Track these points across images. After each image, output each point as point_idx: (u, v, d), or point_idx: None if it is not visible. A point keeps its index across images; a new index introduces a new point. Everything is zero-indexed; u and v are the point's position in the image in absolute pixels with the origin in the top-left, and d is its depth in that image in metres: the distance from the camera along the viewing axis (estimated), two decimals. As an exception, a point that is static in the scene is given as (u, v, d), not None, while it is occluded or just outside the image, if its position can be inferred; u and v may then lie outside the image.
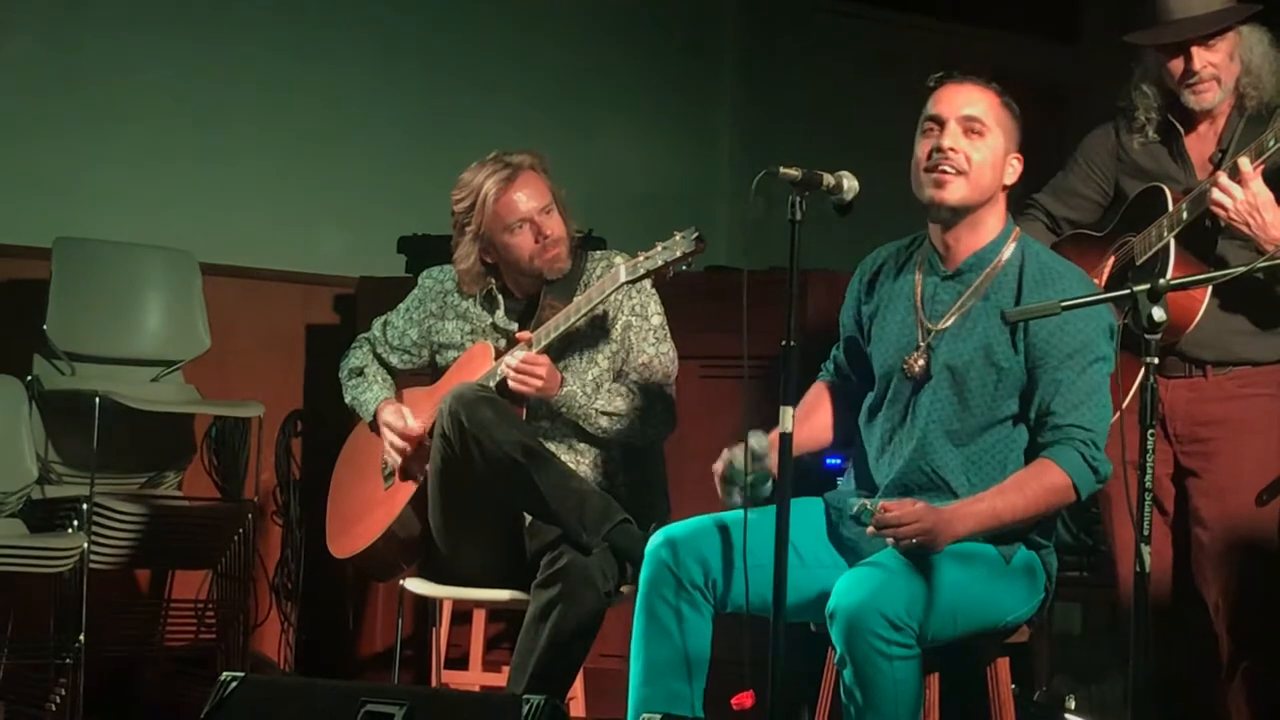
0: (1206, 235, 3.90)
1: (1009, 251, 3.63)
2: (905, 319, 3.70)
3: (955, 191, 3.58)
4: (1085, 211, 4.19)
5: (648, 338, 4.39)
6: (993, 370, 3.57)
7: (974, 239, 3.63)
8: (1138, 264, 3.96)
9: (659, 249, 4.18)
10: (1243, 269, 3.52)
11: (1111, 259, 4.06)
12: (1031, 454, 3.57)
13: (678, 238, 4.17)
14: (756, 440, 3.56)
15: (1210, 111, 3.99)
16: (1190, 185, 3.95)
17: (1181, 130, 4.04)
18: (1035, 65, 7.55)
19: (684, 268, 4.18)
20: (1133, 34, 4.00)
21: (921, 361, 3.63)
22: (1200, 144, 4.03)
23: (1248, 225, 3.79)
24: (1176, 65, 3.95)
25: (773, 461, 3.54)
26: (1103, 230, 4.12)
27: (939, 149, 3.57)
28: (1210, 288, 3.81)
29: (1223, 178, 3.78)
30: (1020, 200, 4.27)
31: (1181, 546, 4.06)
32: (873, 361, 3.76)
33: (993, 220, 3.64)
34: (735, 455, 3.59)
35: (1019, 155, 3.63)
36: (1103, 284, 4.02)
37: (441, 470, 4.21)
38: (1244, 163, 3.77)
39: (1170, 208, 3.91)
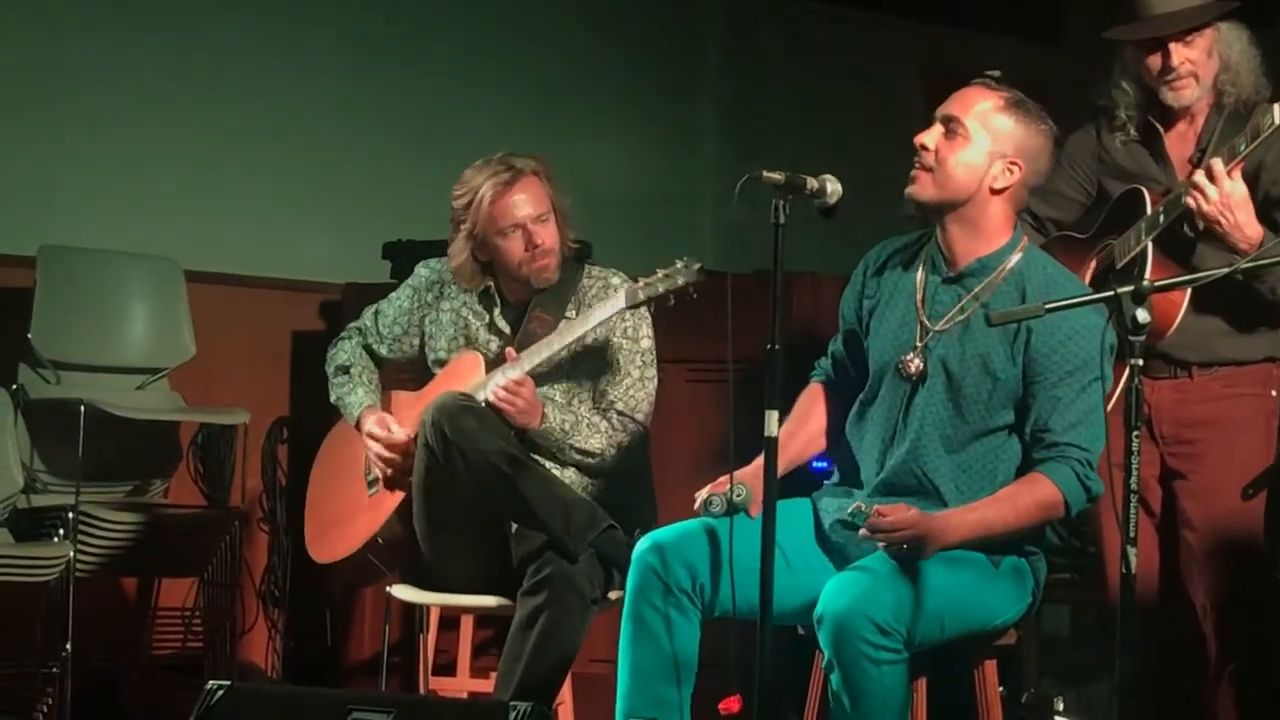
0: (1184, 239, 3.90)
1: (1014, 260, 3.62)
2: (905, 316, 3.69)
3: (920, 188, 3.61)
4: (1068, 211, 4.20)
5: (635, 360, 4.37)
6: (988, 379, 3.57)
7: (974, 244, 3.63)
8: (1117, 268, 3.96)
9: (660, 276, 4.18)
10: (1226, 270, 3.52)
11: (1094, 262, 4.06)
12: (1024, 468, 3.56)
13: (679, 266, 4.17)
14: (737, 491, 3.57)
15: (1189, 109, 3.99)
16: (1171, 185, 3.95)
17: (1161, 129, 4.04)
18: (1017, 66, 7.55)
19: (685, 297, 4.17)
20: (1112, 29, 4.01)
21: (918, 362, 3.63)
22: (1180, 143, 4.03)
23: (1219, 224, 3.79)
24: (1155, 61, 3.96)
25: (753, 503, 3.57)
26: (1086, 232, 4.12)
27: (919, 145, 3.62)
28: (1189, 290, 3.82)
29: (1198, 176, 3.78)
30: None
31: (1168, 548, 4.06)
32: (869, 355, 3.75)
33: (994, 226, 3.63)
34: (714, 497, 3.60)
35: (1016, 160, 3.60)
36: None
37: (425, 480, 4.19)
38: (1217, 163, 3.77)
39: (1149, 210, 3.92)
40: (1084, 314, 3.51)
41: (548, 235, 4.35)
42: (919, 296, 3.68)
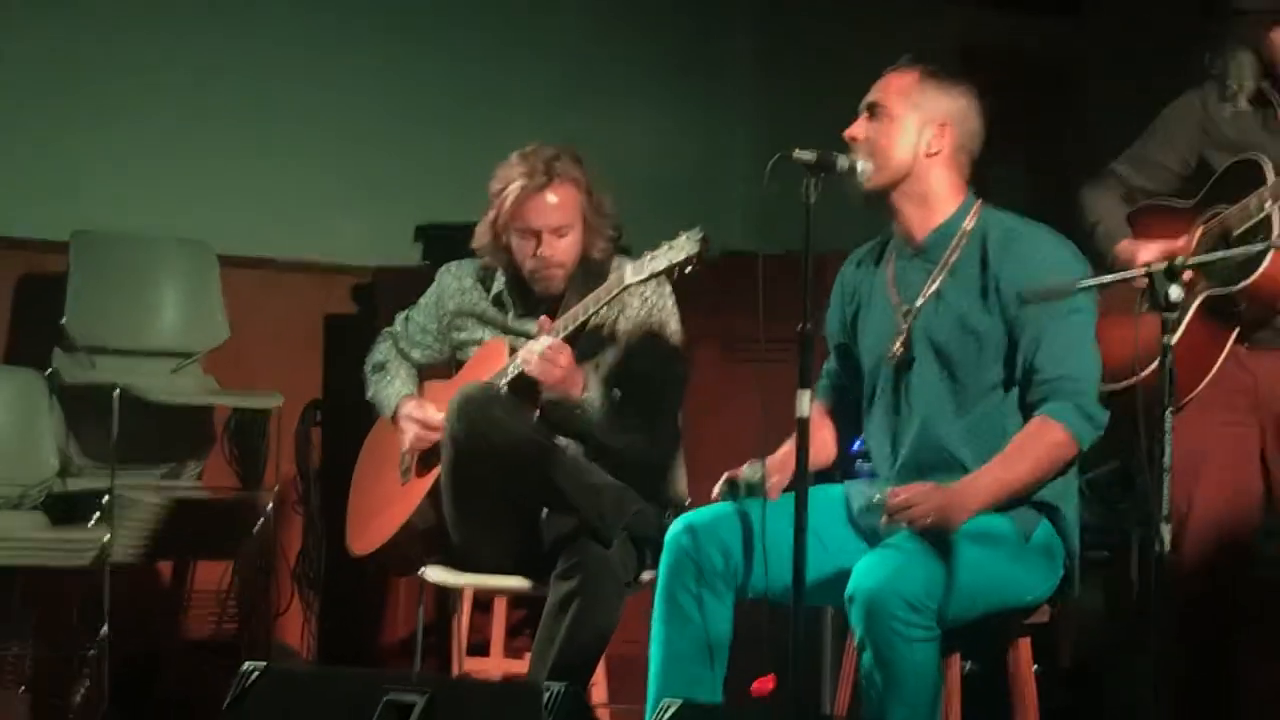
0: None
1: (970, 223, 3.65)
2: (885, 308, 3.73)
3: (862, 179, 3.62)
4: (1163, 182, 4.04)
5: (662, 354, 4.35)
6: (972, 338, 3.59)
7: (928, 216, 3.66)
8: (1235, 234, 3.82)
9: (664, 249, 4.15)
10: (1260, 246, 3.47)
11: (1200, 229, 3.91)
12: (1027, 414, 3.57)
13: (682, 238, 4.13)
14: (751, 470, 3.58)
15: None
16: None
17: (1276, 102, 3.89)
18: (1040, 42, 7.52)
19: (689, 269, 4.15)
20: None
21: (902, 344, 3.66)
22: None
23: None
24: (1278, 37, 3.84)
25: (774, 484, 3.58)
26: (1190, 201, 3.98)
27: (848, 139, 3.65)
28: None
29: None
30: (1100, 169, 4.17)
31: None
32: (861, 357, 3.79)
33: (942, 193, 3.66)
34: (730, 485, 3.61)
35: (944, 123, 3.62)
36: (1191, 252, 3.82)
37: (453, 470, 4.19)
38: None
39: (1270, 179, 3.76)
40: (1047, 250, 3.57)
41: (560, 249, 4.33)
42: (892, 284, 3.71)
